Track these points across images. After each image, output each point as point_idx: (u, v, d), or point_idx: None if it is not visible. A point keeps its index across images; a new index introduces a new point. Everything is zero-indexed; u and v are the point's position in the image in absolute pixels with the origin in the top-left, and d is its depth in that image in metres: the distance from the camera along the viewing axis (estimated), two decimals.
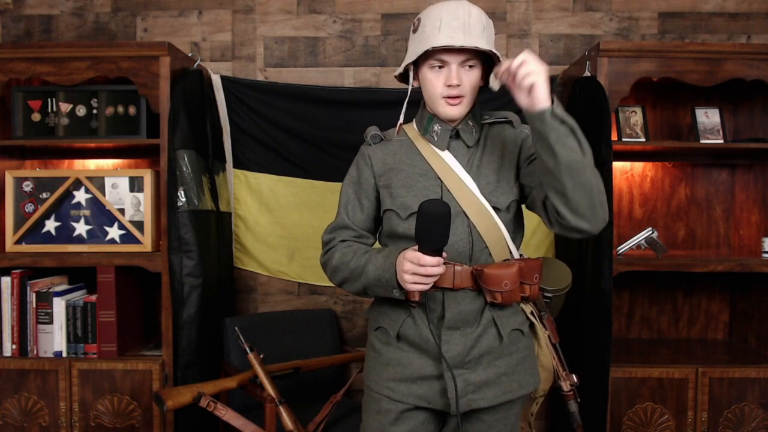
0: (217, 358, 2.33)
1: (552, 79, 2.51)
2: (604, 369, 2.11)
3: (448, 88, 1.33)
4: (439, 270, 1.21)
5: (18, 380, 2.23)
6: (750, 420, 2.22)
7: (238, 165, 2.60)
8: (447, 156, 1.39)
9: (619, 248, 2.37)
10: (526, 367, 1.42)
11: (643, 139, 2.41)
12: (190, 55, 2.39)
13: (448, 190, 1.35)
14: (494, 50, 1.32)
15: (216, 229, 2.36)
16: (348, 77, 2.64)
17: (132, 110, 2.34)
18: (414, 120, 1.49)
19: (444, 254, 1.22)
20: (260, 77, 2.65)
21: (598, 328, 2.12)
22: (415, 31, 1.37)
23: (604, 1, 2.64)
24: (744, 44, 2.52)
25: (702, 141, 2.38)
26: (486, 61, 1.38)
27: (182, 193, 2.15)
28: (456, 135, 1.41)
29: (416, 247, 1.22)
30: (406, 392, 1.36)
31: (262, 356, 2.01)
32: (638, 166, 2.65)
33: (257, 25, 2.66)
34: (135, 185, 2.31)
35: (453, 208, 1.29)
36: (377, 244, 1.49)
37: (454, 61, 1.31)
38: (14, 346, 2.26)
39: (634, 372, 2.23)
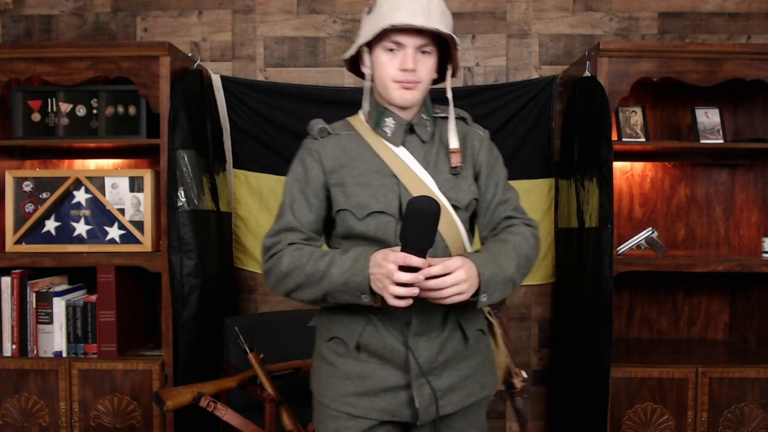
0: (217, 358, 2.33)
1: (552, 79, 2.52)
2: (604, 369, 2.11)
3: (402, 73, 1.25)
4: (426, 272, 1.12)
5: (18, 380, 2.23)
6: (750, 420, 2.22)
7: (238, 165, 2.60)
8: (402, 152, 1.31)
9: (619, 248, 2.38)
10: (487, 367, 1.37)
11: (643, 139, 2.41)
12: (190, 55, 2.39)
13: (406, 188, 1.27)
14: (454, 35, 1.26)
15: (216, 229, 2.36)
16: (348, 77, 2.64)
17: (132, 110, 2.34)
18: (361, 112, 1.38)
19: (426, 257, 1.12)
20: (260, 77, 2.65)
21: (598, 328, 2.12)
22: (369, 12, 1.28)
23: (604, 1, 2.65)
24: (744, 44, 2.52)
25: (702, 141, 2.38)
26: (441, 51, 1.32)
27: (182, 193, 2.15)
28: (410, 130, 1.33)
29: (395, 248, 1.13)
30: (368, 407, 1.26)
31: (262, 356, 2.01)
32: (638, 166, 2.65)
33: (257, 25, 2.66)
34: (135, 185, 2.31)
35: None
36: (325, 247, 1.37)
37: (410, 44, 1.24)
38: (14, 346, 2.26)
39: (634, 372, 2.22)
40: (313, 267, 1.21)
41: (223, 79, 2.55)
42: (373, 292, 1.16)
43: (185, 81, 2.24)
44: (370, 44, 1.29)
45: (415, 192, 1.26)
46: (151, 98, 2.20)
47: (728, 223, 2.65)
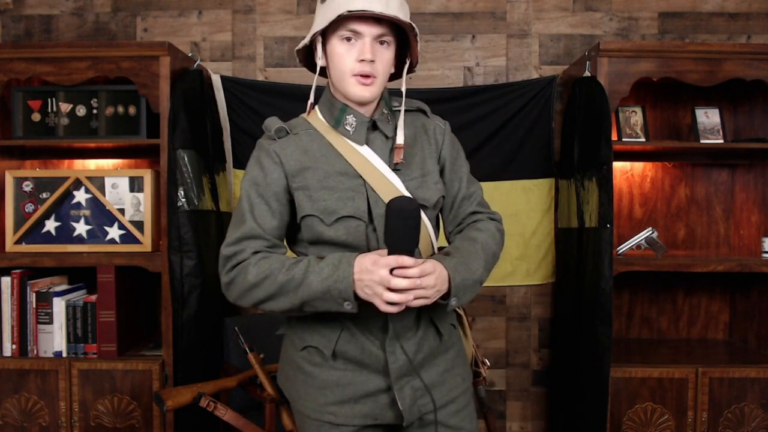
0: (217, 358, 2.33)
1: (552, 79, 2.52)
2: (604, 369, 2.11)
3: (360, 64, 1.19)
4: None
5: (18, 380, 2.23)
6: (750, 420, 2.22)
7: (238, 165, 2.60)
8: (366, 151, 1.25)
9: (619, 248, 2.38)
10: (462, 359, 1.37)
11: (643, 139, 2.41)
12: (190, 55, 2.39)
13: (373, 190, 1.23)
14: (413, 24, 1.21)
15: (216, 229, 2.36)
16: None
17: (132, 110, 2.34)
18: (318, 108, 1.31)
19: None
20: (260, 77, 2.65)
21: (598, 328, 2.12)
22: (324, 0, 1.22)
23: (604, 1, 2.65)
24: (744, 44, 2.52)
25: (702, 141, 2.38)
26: (398, 46, 1.27)
27: (182, 193, 2.15)
28: (373, 126, 1.28)
29: (381, 252, 1.12)
30: (350, 414, 1.23)
31: (262, 356, 2.01)
32: (638, 166, 2.65)
33: (257, 25, 2.66)
34: (135, 185, 2.31)
35: (381, 209, 1.21)
36: (290, 254, 1.29)
37: (368, 33, 1.18)
38: (14, 346, 2.26)
39: (634, 372, 2.23)
40: (287, 275, 1.15)
41: (223, 79, 2.55)
42: (356, 299, 1.12)
43: (185, 81, 2.24)
44: (325, 34, 1.23)
45: (384, 193, 1.22)
46: (151, 98, 2.20)
47: (728, 223, 2.65)
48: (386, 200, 1.20)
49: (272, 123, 1.27)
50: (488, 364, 1.56)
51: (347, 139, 1.26)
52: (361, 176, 1.24)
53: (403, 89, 1.30)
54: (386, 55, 1.22)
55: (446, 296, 1.17)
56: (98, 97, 2.34)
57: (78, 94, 2.34)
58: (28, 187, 2.32)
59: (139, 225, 2.31)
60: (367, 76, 1.20)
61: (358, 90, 1.21)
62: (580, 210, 2.28)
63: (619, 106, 2.39)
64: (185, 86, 2.22)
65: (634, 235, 2.41)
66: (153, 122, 2.29)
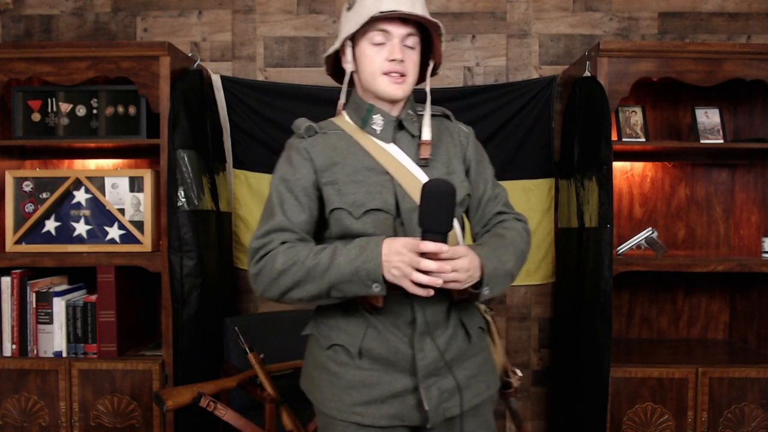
0: (217, 358, 2.33)
1: (552, 79, 2.52)
2: (604, 369, 2.11)
3: (390, 63, 1.24)
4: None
5: (18, 380, 2.23)
6: (750, 420, 2.22)
7: (238, 165, 2.60)
8: (393, 149, 1.29)
9: (619, 248, 2.38)
10: (490, 366, 1.37)
11: (643, 139, 2.41)
12: (190, 55, 2.39)
13: (400, 185, 1.26)
14: (439, 23, 1.27)
15: (216, 229, 2.36)
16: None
17: (132, 110, 2.34)
18: (345, 111, 1.36)
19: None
20: (260, 77, 2.65)
21: (598, 328, 2.12)
22: (350, 8, 1.28)
23: (604, 1, 2.65)
24: (744, 44, 2.52)
25: (702, 141, 2.38)
26: (421, 50, 1.33)
27: (182, 193, 2.15)
28: (400, 126, 1.32)
29: (410, 239, 1.12)
30: (377, 414, 1.23)
31: (262, 356, 2.01)
32: (638, 166, 2.65)
33: (257, 25, 2.66)
34: (135, 185, 2.31)
35: (408, 204, 1.24)
36: None
37: (396, 33, 1.24)
38: (14, 346, 2.26)
39: (634, 372, 2.23)
40: (315, 260, 1.15)
41: (223, 79, 2.55)
42: (384, 281, 1.12)
43: (185, 81, 2.24)
44: (354, 39, 1.29)
45: (411, 189, 1.25)
46: (151, 98, 2.20)
47: (728, 223, 2.65)
48: (413, 196, 1.24)
49: (302, 122, 1.32)
50: (520, 374, 1.54)
51: (374, 138, 1.30)
52: (388, 172, 1.27)
53: (428, 89, 1.34)
54: (413, 56, 1.28)
55: (478, 286, 1.18)
56: (98, 97, 2.34)
57: (78, 94, 2.34)
58: (28, 187, 2.32)
59: (139, 225, 2.31)
60: (399, 75, 1.25)
61: (390, 89, 1.26)
62: (580, 210, 2.28)
63: (619, 106, 2.39)
64: (185, 86, 2.22)
65: (634, 235, 2.41)
66: (153, 122, 2.29)
